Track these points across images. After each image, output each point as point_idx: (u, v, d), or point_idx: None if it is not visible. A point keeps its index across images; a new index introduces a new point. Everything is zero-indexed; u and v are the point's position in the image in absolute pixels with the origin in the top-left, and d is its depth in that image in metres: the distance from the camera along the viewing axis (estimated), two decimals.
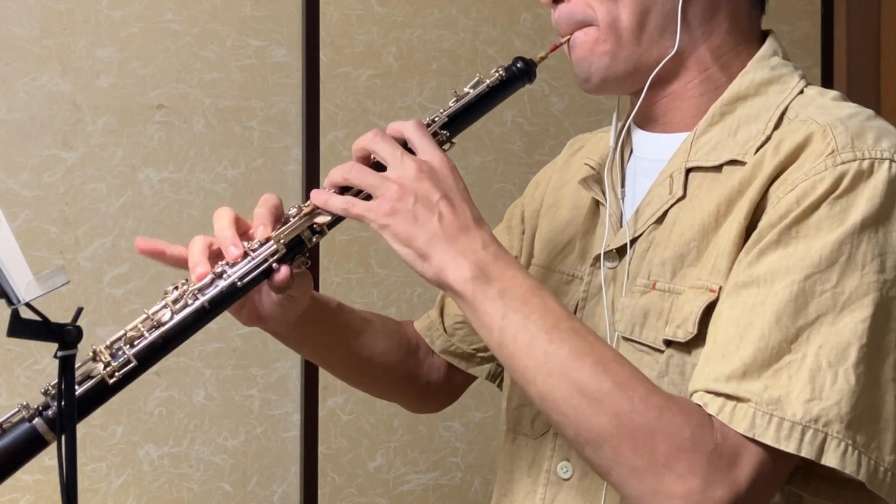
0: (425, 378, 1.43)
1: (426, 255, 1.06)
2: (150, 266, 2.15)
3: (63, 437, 0.92)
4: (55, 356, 0.93)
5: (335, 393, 2.28)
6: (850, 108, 1.10)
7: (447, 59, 2.36)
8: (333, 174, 1.12)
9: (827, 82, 2.62)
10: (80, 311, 0.94)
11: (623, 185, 1.22)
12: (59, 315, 0.91)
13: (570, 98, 2.44)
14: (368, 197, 1.10)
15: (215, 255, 1.13)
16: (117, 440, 2.14)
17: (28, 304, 0.90)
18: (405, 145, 1.11)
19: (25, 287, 0.90)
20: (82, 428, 0.98)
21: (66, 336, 0.92)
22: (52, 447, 0.97)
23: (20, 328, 0.90)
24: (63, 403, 0.92)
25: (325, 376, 2.26)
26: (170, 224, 2.17)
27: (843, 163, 1.03)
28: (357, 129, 2.28)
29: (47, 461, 2.05)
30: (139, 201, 2.16)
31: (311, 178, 2.23)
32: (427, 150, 1.10)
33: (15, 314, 0.89)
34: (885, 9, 2.67)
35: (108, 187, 2.13)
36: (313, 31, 2.26)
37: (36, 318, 0.91)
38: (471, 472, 2.39)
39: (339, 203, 1.10)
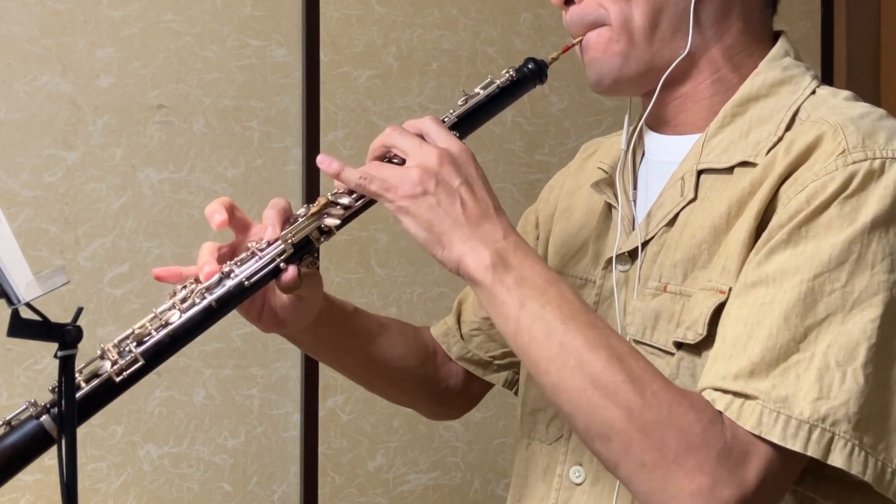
0: (443, 384, 1.43)
1: (446, 240, 1.05)
2: (150, 266, 2.14)
3: (63, 437, 0.92)
4: (55, 356, 0.93)
5: (335, 393, 2.28)
6: (862, 107, 1.10)
7: (447, 59, 2.36)
8: (349, 174, 1.10)
9: (827, 82, 2.60)
10: (80, 311, 0.94)
11: (635, 188, 1.22)
12: (59, 315, 0.91)
13: (570, 98, 2.44)
14: None
15: (224, 258, 1.14)
16: (117, 440, 2.14)
17: (28, 304, 0.90)
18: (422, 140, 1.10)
19: (25, 287, 0.90)
20: (82, 428, 0.98)
21: (66, 336, 0.92)
22: (53, 447, 0.97)
23: (20, 328, 0.90)
24: (63, 403, 0.93)
25: (325, 376, 2.26)
26: (170, 224, 2.17)
27: (853, 162, 1.02)
28: (357, 129, 2.28)
29: (47, 461, 2.04)
30: (139, 201, 2.16)
31: (311, 178, 2.23)
32: (445, 139, 1.09)
33: (15, 314, 0.89)
34: (885, 9, 2.67)
35: (108, 187, 2.13)
36: (313, 31, 2.25)
37: (36, 318, 0.91)
38: (471, 472, 2.39)
39: (354, 176, 1.08)
